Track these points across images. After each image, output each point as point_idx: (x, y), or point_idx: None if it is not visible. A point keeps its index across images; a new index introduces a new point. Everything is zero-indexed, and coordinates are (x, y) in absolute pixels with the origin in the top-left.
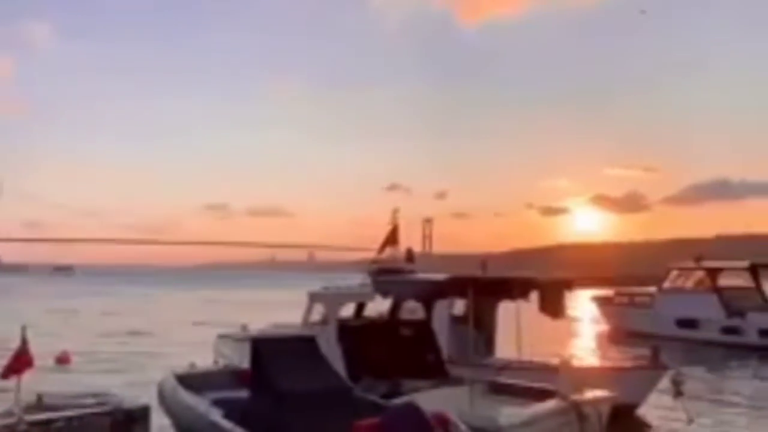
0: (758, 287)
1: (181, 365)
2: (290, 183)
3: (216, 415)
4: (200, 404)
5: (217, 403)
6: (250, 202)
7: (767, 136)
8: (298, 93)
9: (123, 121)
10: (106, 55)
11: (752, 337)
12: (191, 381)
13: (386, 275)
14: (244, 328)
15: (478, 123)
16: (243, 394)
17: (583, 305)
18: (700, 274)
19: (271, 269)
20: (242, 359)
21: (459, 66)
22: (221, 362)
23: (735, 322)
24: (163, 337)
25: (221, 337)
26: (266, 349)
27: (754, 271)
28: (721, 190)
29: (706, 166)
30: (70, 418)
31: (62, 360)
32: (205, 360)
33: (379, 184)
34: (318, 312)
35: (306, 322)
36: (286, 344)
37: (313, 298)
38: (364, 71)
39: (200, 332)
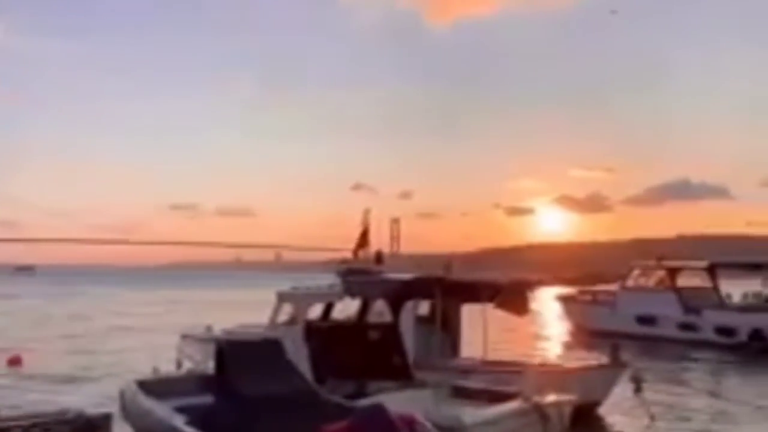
0: (715, 286)
1: (144, 368)
2: (258, 183)
3: (179, 422)
4: (162, 411)
5: (181, 409)
6: (219, 202)
7: (725, 140)
8: (265, 93)
9: (94, 121)
10: (77, 53)
11: (708, 334)
12: (154, 387)
13: (355, 276)
14: (208, 328)
15: (444, 123)
16: (206, 399)
17: (548, 304)
18: (660, 273)
19: (238, 269)
20: (206, 360)
21: (427, 66)
22: (185, 363)
23: (691, 319)
24: (123, 338)
25: (185, 337)
26: (231, 353)
27: (712, 270)
28: (681, 192)
29: (666, 167)
30: (27, 427)
31: (13, 362)
32: (167, 361)
33: (345, 184)
34: (286, 312)
35: (273, 322)
36: (251, 347)
37: (282, 298)
38: (332, 71)
39: (159, 333)
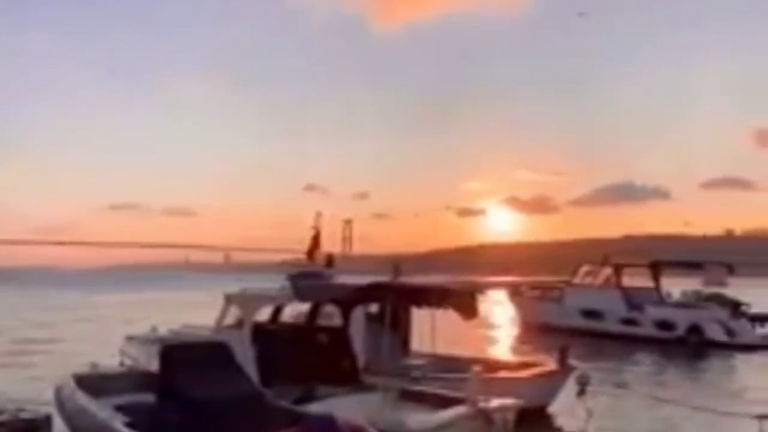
0: (657, 284)
1: (82, 366)
2: (206, 182)
3: (119, 423)
4: (102, 410)
5: (121, 408)
6: (164, 201)
7: (667, 143)
8: (213, 91)
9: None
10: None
11: (649, 329)
12: (92, 383)
13: (305, 279)
14: (153, 329)
15: (396, 125)
16: (149, 398)
17: (499, 301)
18: (606, 271)
19: (185, 271)
20: (150, 361)
21: (378, 68)
22: (128, 364)
23: (634, 314)
24: (60, 342)
25: (129, 338)
26: (175, 355)
27: (654, 269)
28: (625, 193)
29: (610, 170)
30: None
31: None
32: (109, 357)
33: (296, 185)
34: (233, 314)
35: (220, 324)
36: (196, 350)
37: (229, 300)
38: (282, 71)
39: (102, 336)
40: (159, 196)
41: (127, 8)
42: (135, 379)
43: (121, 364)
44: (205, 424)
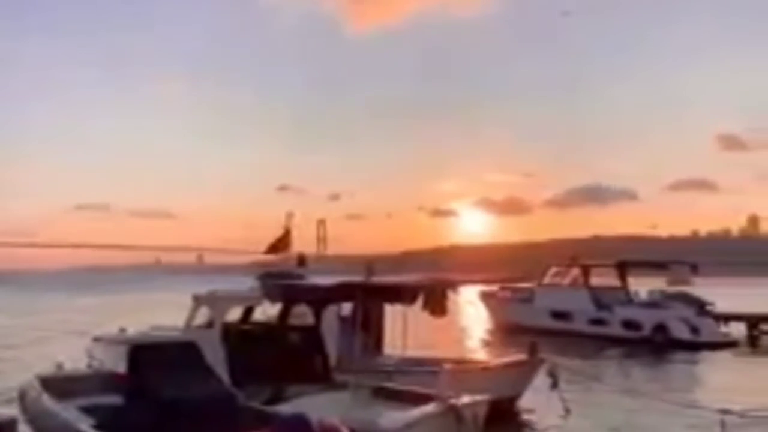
0: (624, 284)
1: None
2: (177, 183)
3: (84, 424)
4: (67, 411)
5: (87, 410)
6: (133, 202)
7: (635, 146)
8: (185, 92)
9: None
10: None
11: (616, 329)
12: (57, 385)
13: (276, 279)
14: (122, 330)
15: (368, 127)
16: (116, 400)
17: (471, 301)
18: (575, 271)
19: (156, 272)
20: (118, 363)
21: (351, 71)
22: (95, 366)
23: (602, 314)
24: (26, 346)
25: (96, 339)
26: (144, 355)
27: (621, 268)
28: (595, 195)
29: (581, 172)
30: None
31: None
32: (75, 361)
33: (270, 186)
34: (203, 315)
35: (189, 325)
36: (165, 350)
37: (199, 301)
38: (254, 72)
39: (69, 339)
40: (128, 197)
41: (94, 7)
42: (102, 381)
43: (89, 366)
44: (174, 424)
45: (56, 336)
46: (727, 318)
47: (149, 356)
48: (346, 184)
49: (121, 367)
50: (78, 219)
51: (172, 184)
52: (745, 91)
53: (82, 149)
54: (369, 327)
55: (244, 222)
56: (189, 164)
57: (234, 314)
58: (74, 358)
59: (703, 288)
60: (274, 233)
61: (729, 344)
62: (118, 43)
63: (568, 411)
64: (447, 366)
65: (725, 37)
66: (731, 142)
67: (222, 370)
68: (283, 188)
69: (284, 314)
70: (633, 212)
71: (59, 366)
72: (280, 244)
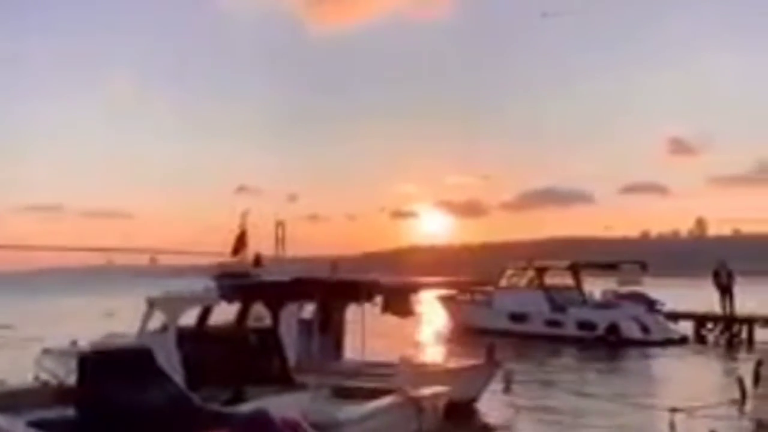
0: (578, 285)
1: None
2: (130, 184)
3: None
4: (14, 426)
5: (35, 424)
6: (85, 203)
7: (589, 149)
8: (140, 91)
9: None
10: None
11: (571, 329)
12: (2, 399)
13: (232, 279)
14: (73, 342)
15: (328, 127)
16: (67, 412)
17: (431, 304)
18: (530, 273)
19: (108, 274)
20: (69, 375)
21: (309, 70)
22: (44, 379)
23: (557, 316)
24: None
25: (45, 351)
26: (95, 364)
27: (575, 269)
28: (550, 197)
29: (536, 174)
30: None
31: None
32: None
33: (227, 186)
34: (157, 319)
35: (144, 330)
36: (117, 357)
37: (152, 304)
38: (211, 71)
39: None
40: (81, 198)
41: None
42: (50, 394)
43: (36, 378)
44: None
45: None
46: (677, 317)
47: (100, 366)
48: (304, 185)
49: (72, 379)
50: (28, 220)
51: (126, 185)
52: (693, 97)
53: (31, 148)
54: (329, 329)
55: (201, 223)
56: (144, 165)
57: (190, 317)
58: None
59: (653, 288)
60: (232, 235)
61: (678, 342)
62: (68, 40)
63: (518, 412)
64: (405, 366)
65: (674, 44)
66: (680, 147)
67: (178, 375)
68: (240, 189)
69: (242, 315)
70: (588, 214)
71: (1, 381)
72: (239, 244)
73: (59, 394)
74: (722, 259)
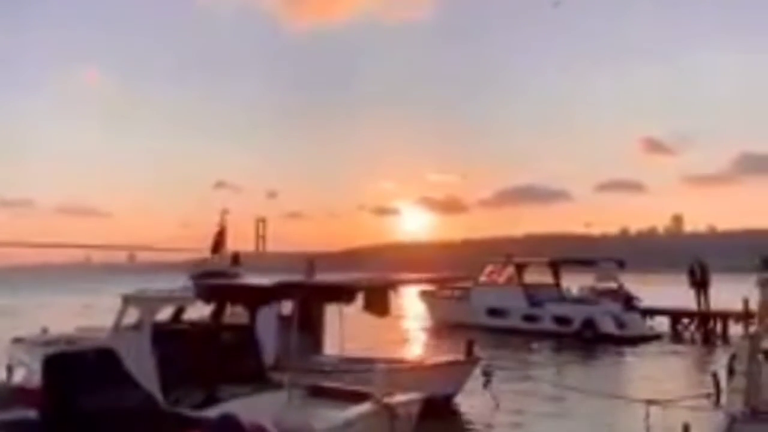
0: (557, 281)
1: None
2: (107, 180)
3: None
4: None
5: (1, 424)
6: (59, 199)
7: (565, 147)
8: (117, 88)
9: None
10: None
11: (548, 324)
12: None
13: (209, 278)
14: (44, 331)
15: (307, 124)
16: (29, 414)
17: (412, 301)
18: (509, 269)
19: (85, 272)
20: (32, 374)
21: (289, 67)
22: (17, 370)
23: (535, 311)
24: None
25: (16, 341)
26: (59, 365)
27: (553, 266)
28: (527, 194)
29: (514, 172)
30: None
31: None
32: None
33: (205, 183)
34: (132, 316)
35: (118, 327)
36: (81, 357)
37: (127, 301)
38: (187, 67)
39: None
40: (53, 194)
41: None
42: (11, 394)
43: (8, 368)
44: None
45: None
46: (652, 312)
47: (65, 366)
48: (283, 182)
49: (35, 379)
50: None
51: (101, 181)
52: (668, 96)
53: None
54: (308, 326)
55: (179, 220)
56: (121, 161)
57: (164, 315)
58: None
59: (631, 284)
60: (210, 231)
61: (653, 337)
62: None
63: (498, 407)
64: (383, 365)
65: (647, 44)
66: (654, 146)
67: (151, 374)
68: (219, 185)
69: (217, 313)
70: (566, 211)
71: None
72: (218, 242)
73: (21, 395)
74: (697, 256)
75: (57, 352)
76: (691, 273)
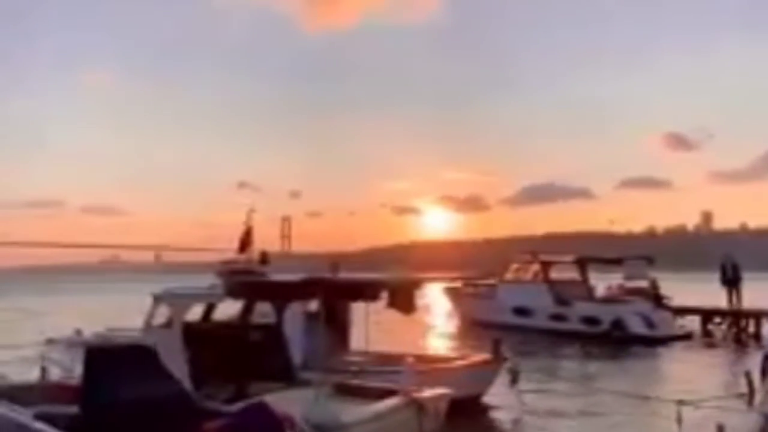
0: (584, 279)
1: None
2: (132, 181)
3: (41, 427)
4: (23, 417)
5: (42, 417)
6: (86, 200)
7: (586, 145)
8: (141, 89)
9: None
10: None
11: (575, 324)
12: (3, 395)
13: (237, 277)
14: (77, 332)
15: (327, 125)
16: (69, 408)
17: (436, 298)
18: (535, 267)
19: (113, 272)
20: (74, 365)
21: (309, 69)
22: (52, 370)
23: (562, 310)
24: None
25: (50, 342)
26: (99, 359)
27: (581, 264)
28: (549, 193)
29: (535, 170)
30: None
31: None
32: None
33: (227, 183)
34: (162, 314)
35: (149, 325)
36: (121, 353)
37: (158, 299)
38: (210, 70)
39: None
40: (82, 195)
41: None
42: (53, 389)
43: (43, 369)
44: (131, 429)
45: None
46: (683, 312)
47: (104, 361)
48: (305, 182)
49: (78, 369)
50: (30, 216)
51: (128, 182)
52: (691, 92)
53: (33, 146)
54: (335, 323)
55: (202, 220)
56: (146, 162)
57: (194, 313)
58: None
59: (660, 282)
60: (233, 231)
61: (684, 337)
62: (71, 41)
63: (524, 406)
64: (411, 364)
65: (669, 40)
66: (678, 141)
67: (182, 371)
68: (241, 185)
69: (246, 312)
70: (588, 209)
71: (2, 376)
72: (245, 241)
73: (62, 390)
74: (728, 253)
75: (99, 346)
76: (723, 271)
